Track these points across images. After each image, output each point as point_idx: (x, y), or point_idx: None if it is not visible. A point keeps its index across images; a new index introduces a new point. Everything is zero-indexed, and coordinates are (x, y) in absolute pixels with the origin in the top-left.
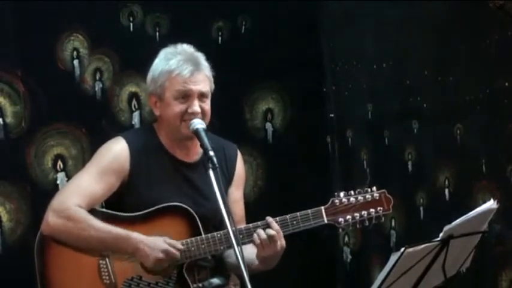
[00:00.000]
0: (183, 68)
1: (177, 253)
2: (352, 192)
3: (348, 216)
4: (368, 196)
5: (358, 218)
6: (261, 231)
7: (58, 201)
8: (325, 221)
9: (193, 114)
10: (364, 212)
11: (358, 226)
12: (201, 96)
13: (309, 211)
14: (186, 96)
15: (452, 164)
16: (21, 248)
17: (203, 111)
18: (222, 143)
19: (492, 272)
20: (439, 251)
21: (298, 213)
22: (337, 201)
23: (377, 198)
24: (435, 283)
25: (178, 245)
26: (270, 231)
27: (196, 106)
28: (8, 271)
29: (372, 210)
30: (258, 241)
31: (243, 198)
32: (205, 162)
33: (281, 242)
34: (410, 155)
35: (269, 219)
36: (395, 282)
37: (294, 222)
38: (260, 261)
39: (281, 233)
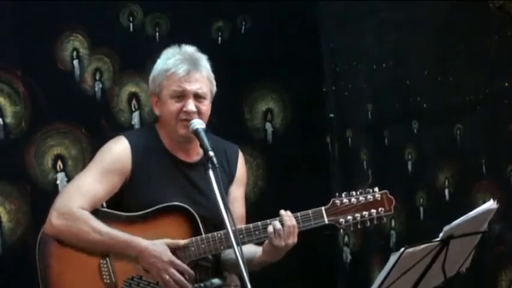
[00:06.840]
0: (179, 67)
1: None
2: (354, 192)
3: (349, 217)
4: (369, 196)
5: (359, 218)
6: (283, 220)
7: (61, 202)
8: (326, 222)
9: (188, 114)
10: (365, 213)
11: (359, 227)
12: (197, 96)
13: (310, 211)
14: (181, 95)
15: (452, 164)
16: (21, 248)
17: (200, 112)
18: (223, 145)
19: (492, 272)
20: (439, 251)
21: (298, 214)
22: (338, 201)
23: (378, 198)
24: (435, 283)
25: (181, 242)
26: (292, 221)
27: (190, 105)
28: (8, 271)
29: (373, 210)
30: (272, 230)
31: (244, 197)
32: (205, 162)
33: (294, 238)
34: (410, 155)
35: (282, 212)
36: (395, 282)
37: None
38: (265, 251)
39: (297, 230)
